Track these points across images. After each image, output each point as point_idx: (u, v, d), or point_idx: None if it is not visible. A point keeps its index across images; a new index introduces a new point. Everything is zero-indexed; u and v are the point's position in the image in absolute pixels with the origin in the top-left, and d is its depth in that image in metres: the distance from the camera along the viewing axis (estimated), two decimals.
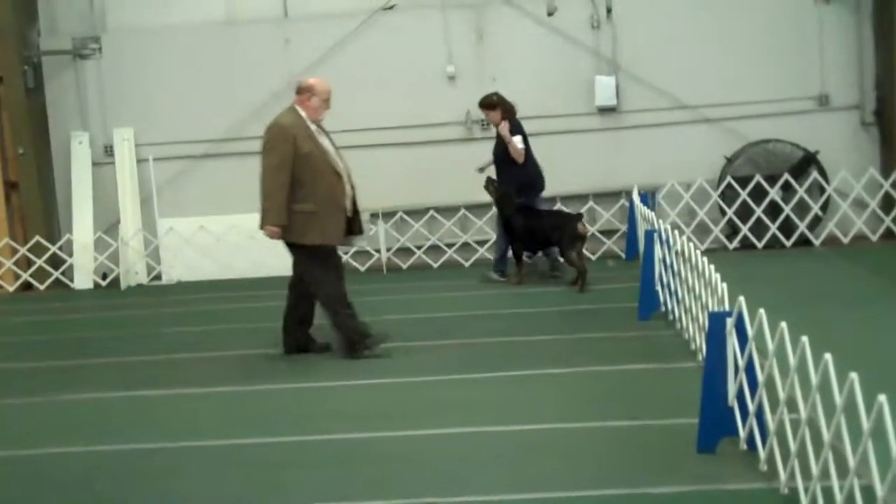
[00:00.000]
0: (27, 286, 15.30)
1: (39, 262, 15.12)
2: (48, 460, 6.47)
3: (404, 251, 14.88)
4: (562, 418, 6.62)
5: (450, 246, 14.72)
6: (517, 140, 12.33)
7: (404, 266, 14.65)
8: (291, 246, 9.07)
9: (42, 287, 15.14)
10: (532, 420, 6.62)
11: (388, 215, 14.67)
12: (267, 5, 15.52)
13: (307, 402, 7.67)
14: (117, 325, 11.86)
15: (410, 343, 9.26)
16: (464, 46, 14.96)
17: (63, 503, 5.65)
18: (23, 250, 15.18)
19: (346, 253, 13.47)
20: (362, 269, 14.63)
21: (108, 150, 15.69)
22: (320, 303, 8.98)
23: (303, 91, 9.15)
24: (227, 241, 14.85)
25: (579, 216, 12.17)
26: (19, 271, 15.24)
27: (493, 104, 12.52)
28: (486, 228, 14.40)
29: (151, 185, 15.34)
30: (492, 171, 12.55)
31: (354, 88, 14.66)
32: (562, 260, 12.31)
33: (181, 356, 9.56)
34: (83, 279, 15.22)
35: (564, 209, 13.33)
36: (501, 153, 12.49)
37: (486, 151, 12.89)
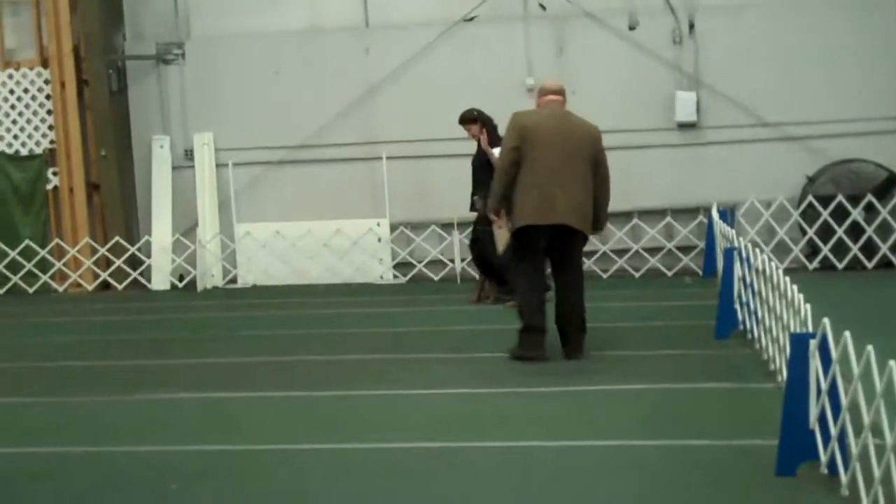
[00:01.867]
0: (105, 286, 15.54)
1: (118, 262, 15.36)
2: (123, 458, 6.53)
3: None
4: (637, 435, 6.53)
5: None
6: (497, 151, 11.64)
7: None
8: (578, 235, 8.66)
9: (120, 287, 15.37)
10: (605, 436, 6.54)
11: (461, 225, 14.59)
12: (348, 14, 15.59)
13: (385, 409, 7.64)
14: (193, 326, 11.98)
15: (480, 354, 9.26)
16: (544, 59, 14.87)
17: (135, 501, 5.68)
18: (102, 250, 15.43)
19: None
20: (436, 278, 14.65)
21: (189, 154, 15.89)
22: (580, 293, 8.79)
23: (563, 92, 8.94)
24: (302, 247, 14.96)
25: None
26: (98, 271, 15.50)
27: (474, 118, 12.43)
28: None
29: (230, 189, 15.50)
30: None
31: (433, 99, 14.72)
32: None
33: (256, 359, 9.61)
34: (160, 280, 15.43)
35: None
36: (480, 165, 12.18)
37: None
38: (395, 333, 10.73)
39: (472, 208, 12.22)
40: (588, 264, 14.09)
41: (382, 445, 6.53)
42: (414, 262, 14.87)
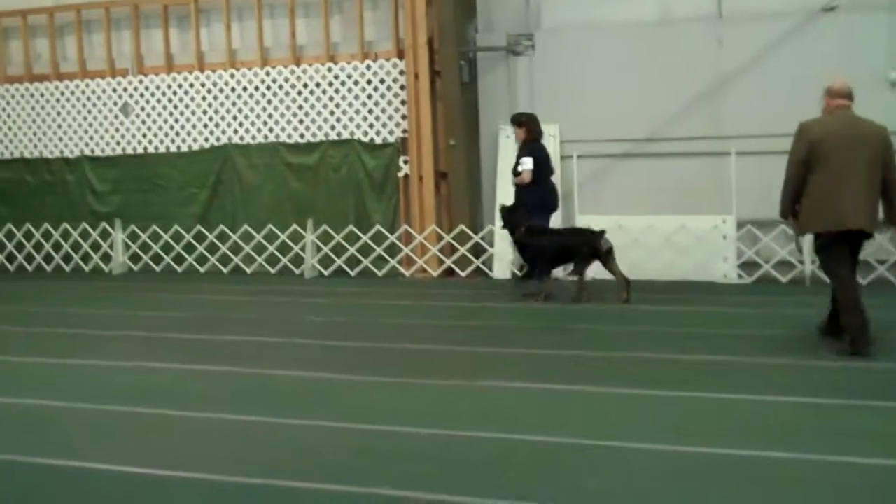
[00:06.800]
0: (449, 272, 15.95)
1: (462, 249, 15.72)
2: (462, 442, 6.59)
3: None
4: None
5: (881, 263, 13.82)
6: (525, 162, 12.81)
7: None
8: (864, 237, 9.15)
9: (463, 274, 15.72)
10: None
11: None
12: (701, 5, 15.23)
13: (721, 413, 7.35)
14: (532, 316, 12.05)
15: (821, 362, 8.75)
16: None
17: (475, 485, 5.70)
18: (448, 238, 15.84)
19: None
20: (784, 279, 14.06)
21: None
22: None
23: (851, 95, 9.27)
24: (644, 242, 14.73)
25: (602, 232, 12.68)
26: (443, 257, 15.93)
27: (521, 122, 13.25)
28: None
29: (573, 181, 15.51)
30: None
31: (787, 92, 14.09)
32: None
33: (592, 353, 9.51)
34: (502, 269, 15.67)
35: (588, 227, 13.38)
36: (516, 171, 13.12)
37: None
38: (736, 335, 10.33)
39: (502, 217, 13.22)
40: (881, 271, 13.25)
41: (716, 451, 6.26)
42: (760, 262, 14.32)
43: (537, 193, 12.98)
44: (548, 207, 13.19)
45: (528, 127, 13.22)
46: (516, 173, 13.01)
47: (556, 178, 13.71)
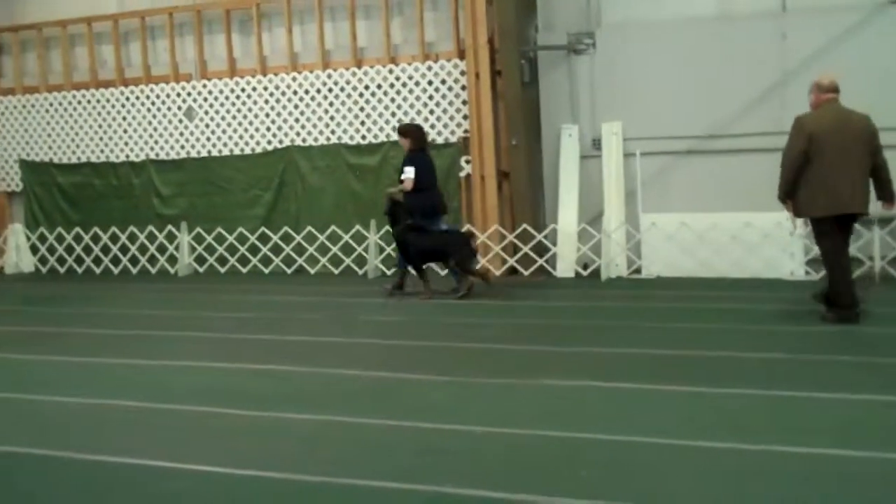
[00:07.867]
0: (512, 271, 15.90)
1: (525, 248, 15.66)
2: (528, 440, 6.58)
3: None
4: None
5: None
6: (408, 171, 13.65)
7: None
8: (859, 216, 10.43)
9: (526, 273, 15.66)
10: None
11: (884, 221, 13.67)
12: None
13: (778, 410, 7.25)
14: (596, 315, 11.98)
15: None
16: None
17: (545, 484, 5.67)
18: (510, 237, 15.80)
19: None
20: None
21: (596, 144, 15.92)
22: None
23: (838, 89, 10.51)
24: (709, 240, 14.58)
25: (470, 234, 14.22)
26: (506, 256, 15.89)
27: (406, 132, 14.15)
28: None
29: (636, 179, 15.40)
30: None
31: (853, 86, 13.79)
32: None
33: (659, 352, 9.44)
34: (565, 268, 15.57)
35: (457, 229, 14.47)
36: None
37: None
38: (802, 333, 10.18)
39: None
40: None
41: (785, 450, 6.17)
42: None
43: (420, 199, 13.76)
44: (431, 212, 13.92)
45: (413, 137, 14.04)
46: (400, 181, 13.84)
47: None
